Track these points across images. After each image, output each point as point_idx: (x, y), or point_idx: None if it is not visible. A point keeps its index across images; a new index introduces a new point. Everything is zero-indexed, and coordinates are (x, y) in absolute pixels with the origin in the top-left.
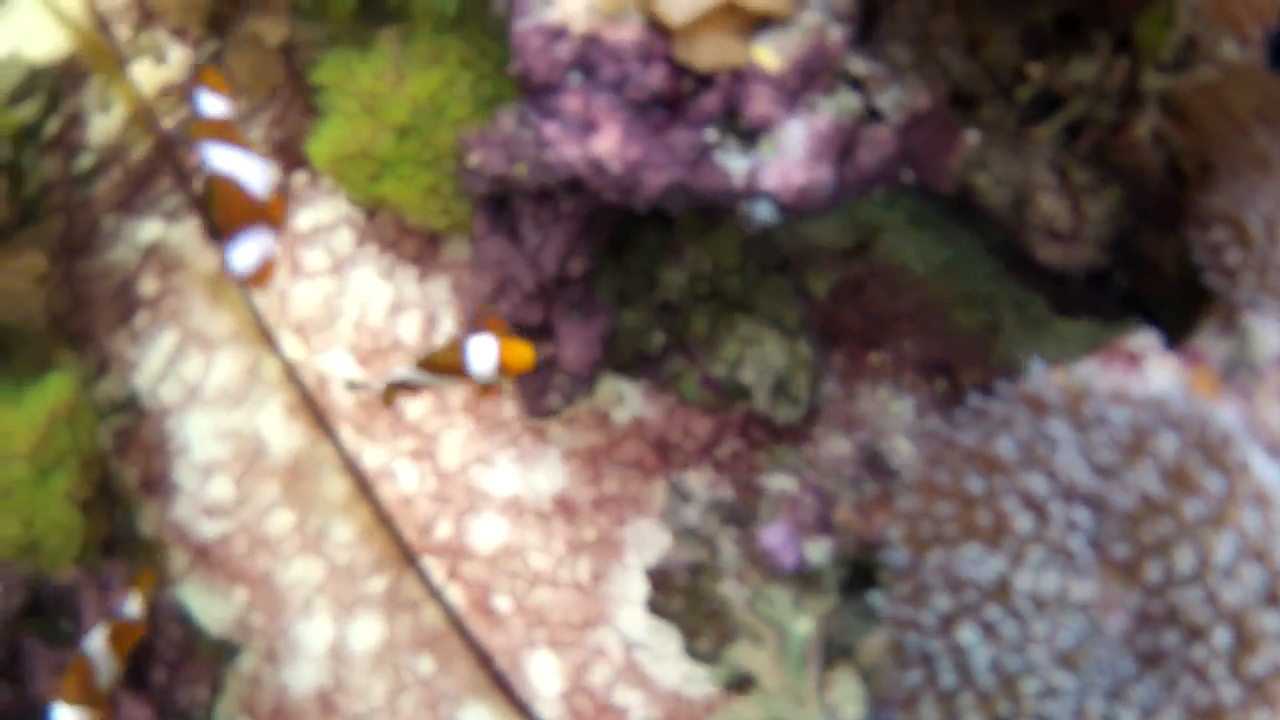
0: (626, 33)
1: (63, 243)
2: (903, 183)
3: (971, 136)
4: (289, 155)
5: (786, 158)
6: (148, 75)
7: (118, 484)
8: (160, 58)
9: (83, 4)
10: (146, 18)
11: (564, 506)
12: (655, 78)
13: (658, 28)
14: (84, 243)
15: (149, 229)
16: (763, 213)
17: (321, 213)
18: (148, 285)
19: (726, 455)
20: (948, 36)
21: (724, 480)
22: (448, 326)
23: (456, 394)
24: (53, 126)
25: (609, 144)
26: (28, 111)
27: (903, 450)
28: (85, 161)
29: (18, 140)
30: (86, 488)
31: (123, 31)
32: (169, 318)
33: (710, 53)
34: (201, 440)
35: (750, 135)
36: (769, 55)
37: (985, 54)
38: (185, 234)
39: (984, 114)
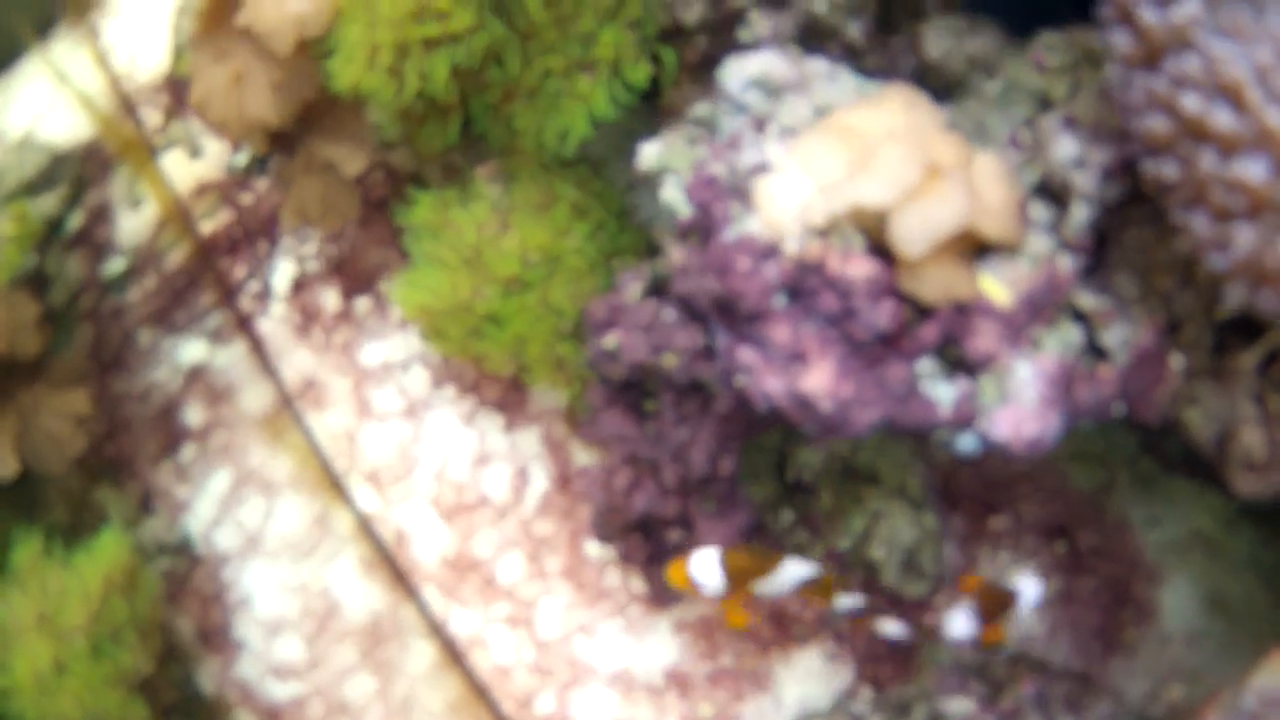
0: (856, 268)
1: (93, 356)
2: (1112, 416)
3: (1176, 361)
4: (347, 274)
5: (1018, 406)
6: (181, 170)
7: (172, 634)
8: (195, 150)
9: (103, 81)
10: (178, 103)
11: (677, 681)
12: (884, 317)
13: (882, 253)
14: (116, 358)
15: (191, 349)
16: (967, 445)
17: (392, 347)
18: (193, 414)
19: (846, 627)
20: (1169, 264)
21: (844, 653)
22: (540, 483)
23: (554, 557)
24: (76, 221)
25: (820, 382)
26: (50, 205)
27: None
28: (115, 266)
29: (43, 242)
30: (148, 663)
31: (151, 117)
32: (220, 454)
33: (938, 284)
34: (265, 593)
35: (961, 364)
36: (998, 288)
37: (1197, 278)
38: (234, 359)
39: (1185, 336)
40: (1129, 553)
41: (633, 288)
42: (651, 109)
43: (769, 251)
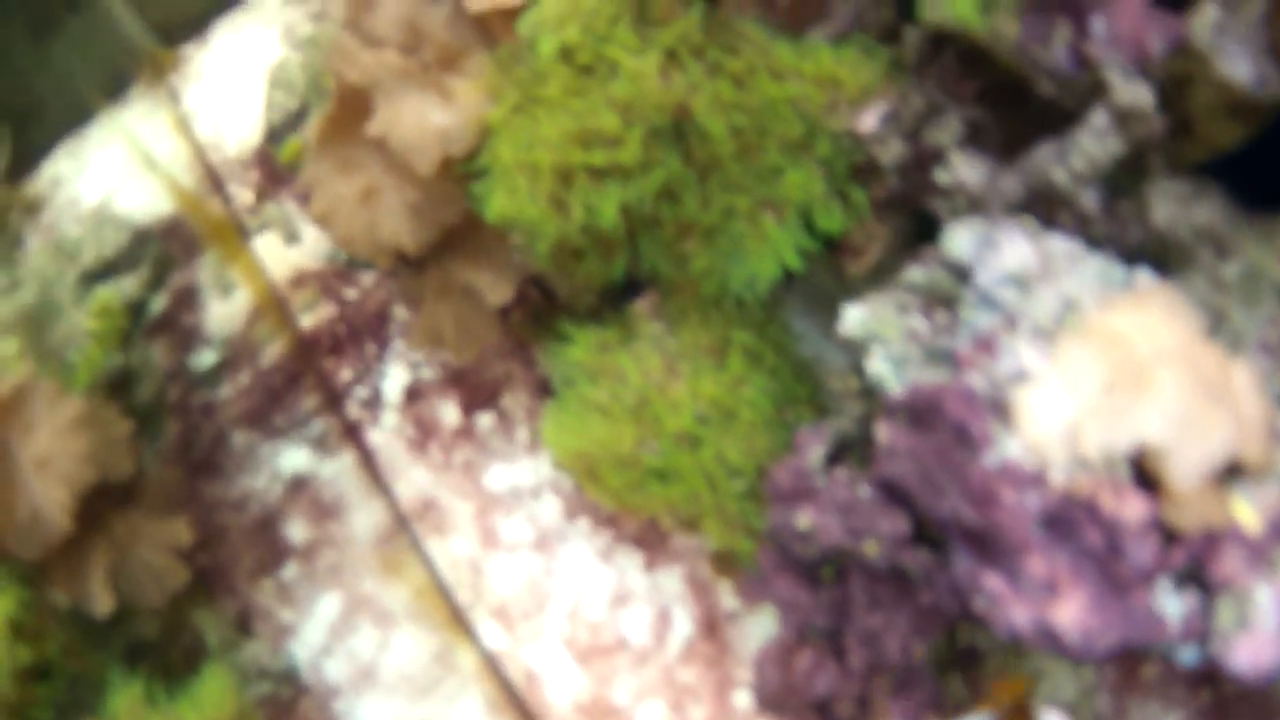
0: (1130, 508)
1: (181, 455)
2: None
3: None
4: (467, 387)
5: (1258, 633)
6: (276, 255)
7: None
8: (291, 236)
9: (185, 152)
10: (271, 182)
11: None
12: (1149, 555)
13: (1144, 480)
14: (208, 460)
15: (292, 457)
16: (1189, 658)
17: (520, 472)
18: (296, 529)
19: None
20: None
21: None
22: (684, 627)
23: (699, 707)
24: (159, 304)
25: (1071, 615)
26: (131, 287)
27: None
28: (206, 359)
29: (126, 332)
30: None
31: (240, 194)
32: (328, 576)
33: (1197, 513)
34: None
35: (1193, 577)
36: (1248, 512)
37: None
38: (341, 471)
39: None
40: (1274, 702)
41: (814, 450)
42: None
43: (1033, 481)
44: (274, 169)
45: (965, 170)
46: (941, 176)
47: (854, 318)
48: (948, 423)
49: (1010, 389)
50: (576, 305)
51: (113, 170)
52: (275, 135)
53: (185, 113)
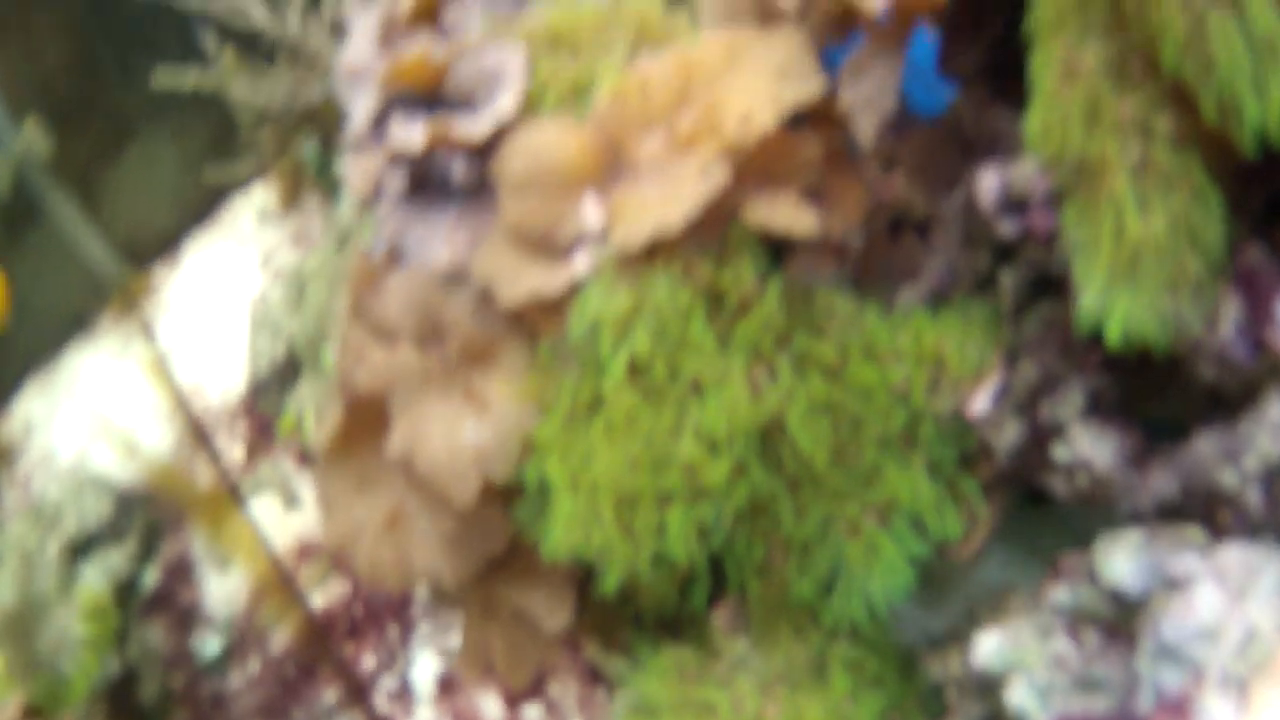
0: None
1: None
2: None
3: None
4: None
5: None
6: (276, 522)
7: None
8: (290, 499)
9: (163, 397)
10: (262, 435)
11: None
12: None
13: None
14: None
15: None
16: None
17: None
18: None
19: None
20: None
21: None
22: None
23: None
24: (151, 578)
25: None
26: (118, 562)
27: None
28: (210, 647)
29: (122, 619)
30: None
31: (231, 450)
32: None
33: None
34: None
35: None
36: None
37: None
38: None
39: None
40: None
41: None
42: None
43: None
44: (265, 422)
45: (1090, 447)
46: (1060, 453)
47: (989, 647)
48: None
49: None
50: (643, 615)
51: (86, 419)
52: (262, 386)
53: (160, 352)
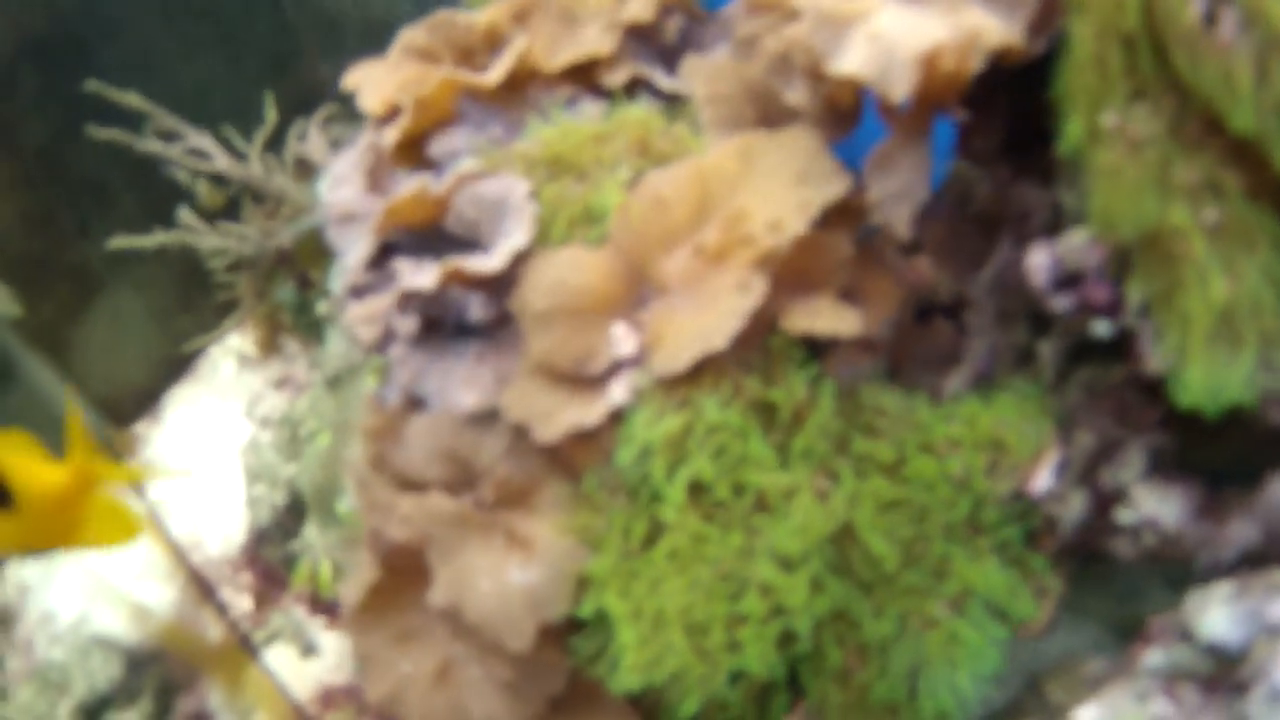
0: None
1: None
2: None
3: None
4: None
5: None
6: (294, 671)
7: None
8: (308, 648)
9: (161, 554)
10: (270, 584)
11: None
12: None
13: None
14: None
15: None
16: None
17: None
18: None
19: None
20: None
21: None
22: None
23: None
24: None
25: None
26: None
27: None
28: None
29: None
30: None
31: (238, 601)
32: None
33: None
34: None
35: None
36: None
37: None
38: None
39: None
40: None
41: None
42: None
43: None
44: (270, 571)
45: (1157, 506)
46: (1125, 515)
47: None
48: None
49: None
50: None
51: (84, 579)
52: (265, 535)
53: (152, 505)
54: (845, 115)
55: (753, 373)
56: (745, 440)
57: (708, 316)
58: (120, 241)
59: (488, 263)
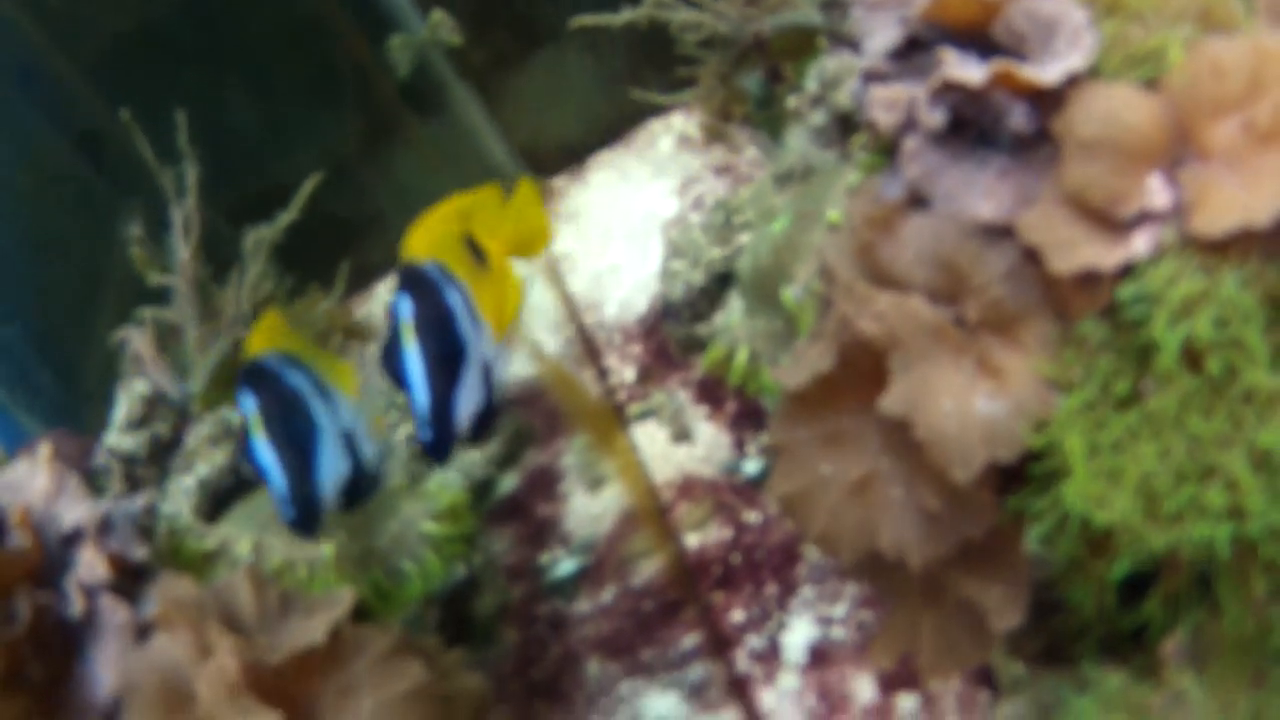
0: None
1: (519, 670)
2: None
3: None
4: None
5: None
6: (660, 454)
7: None
8: (682, 433)
9: (553, 305)
10: (661, 362)
11: None
12: None
13: None
14: (552, 683)
15: (659, 703)
16: None
17: None
18: None
19: None
20: None
21: None
22: None
23: None
24: (509, 484)
25: None
26: (476, 462)
27: None
28: (563, 567)
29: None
30: None
31: (621, 371)
32: None
33: None
34: None
35: None
36: None
37: None
38: None
39: None
40: None
41: None
42: None
43: None
44: (663, 348)
45: None
46: None
47: None
48: None
49: None
50: (1085, 628)
51: None
52: (672, 311)
53: (555, 257)
54: None
55: (1276, 266)
56: (1247, 325)
57: (1252, 194)
58: (584, 20)
59: (1044, 73)
